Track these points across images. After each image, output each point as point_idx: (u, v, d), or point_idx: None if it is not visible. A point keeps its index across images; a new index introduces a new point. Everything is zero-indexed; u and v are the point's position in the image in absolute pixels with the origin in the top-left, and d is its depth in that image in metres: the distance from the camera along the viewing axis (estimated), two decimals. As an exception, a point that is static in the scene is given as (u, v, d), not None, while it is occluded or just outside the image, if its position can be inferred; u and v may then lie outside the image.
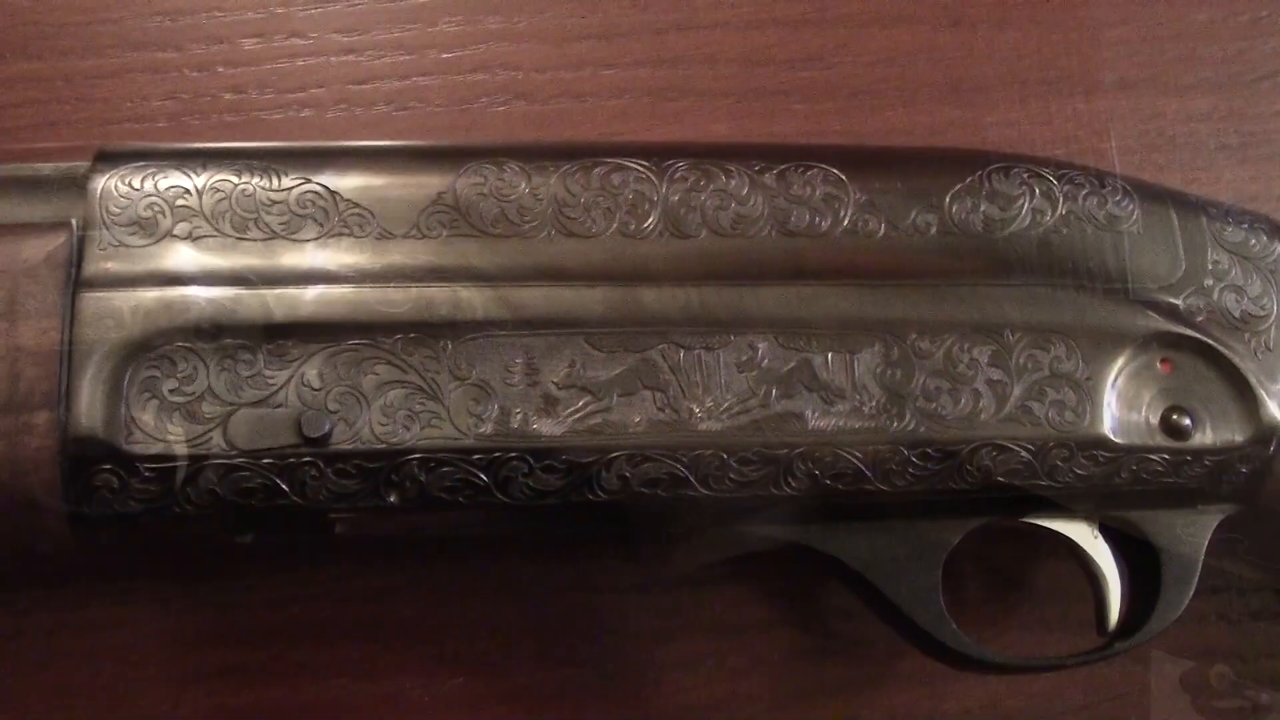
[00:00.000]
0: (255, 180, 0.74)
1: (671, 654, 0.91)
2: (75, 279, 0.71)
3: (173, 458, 0.69)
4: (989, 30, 1.01)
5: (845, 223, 0.76)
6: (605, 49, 0.97)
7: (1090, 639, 0.83)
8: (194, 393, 0.70)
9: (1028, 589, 0.94)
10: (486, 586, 0.90)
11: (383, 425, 0.71)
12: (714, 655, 0.91)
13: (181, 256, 0.72)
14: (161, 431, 0.69)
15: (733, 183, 0.76)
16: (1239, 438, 0.77)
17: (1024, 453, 0.74)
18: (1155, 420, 0.76)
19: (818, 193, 0.76)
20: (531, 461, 0.71)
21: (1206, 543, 0.80)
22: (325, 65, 0.95)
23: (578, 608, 0.91)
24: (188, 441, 0.70)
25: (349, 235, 0.73)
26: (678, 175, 0.76)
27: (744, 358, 0.74)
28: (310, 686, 0.88)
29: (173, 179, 0.73)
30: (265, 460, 0.70)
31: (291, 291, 0.72)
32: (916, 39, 1.00)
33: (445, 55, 0.96)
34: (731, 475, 0.73)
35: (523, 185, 0.75)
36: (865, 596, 0.81)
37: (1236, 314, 0.78)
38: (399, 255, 0.73)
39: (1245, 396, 0.77)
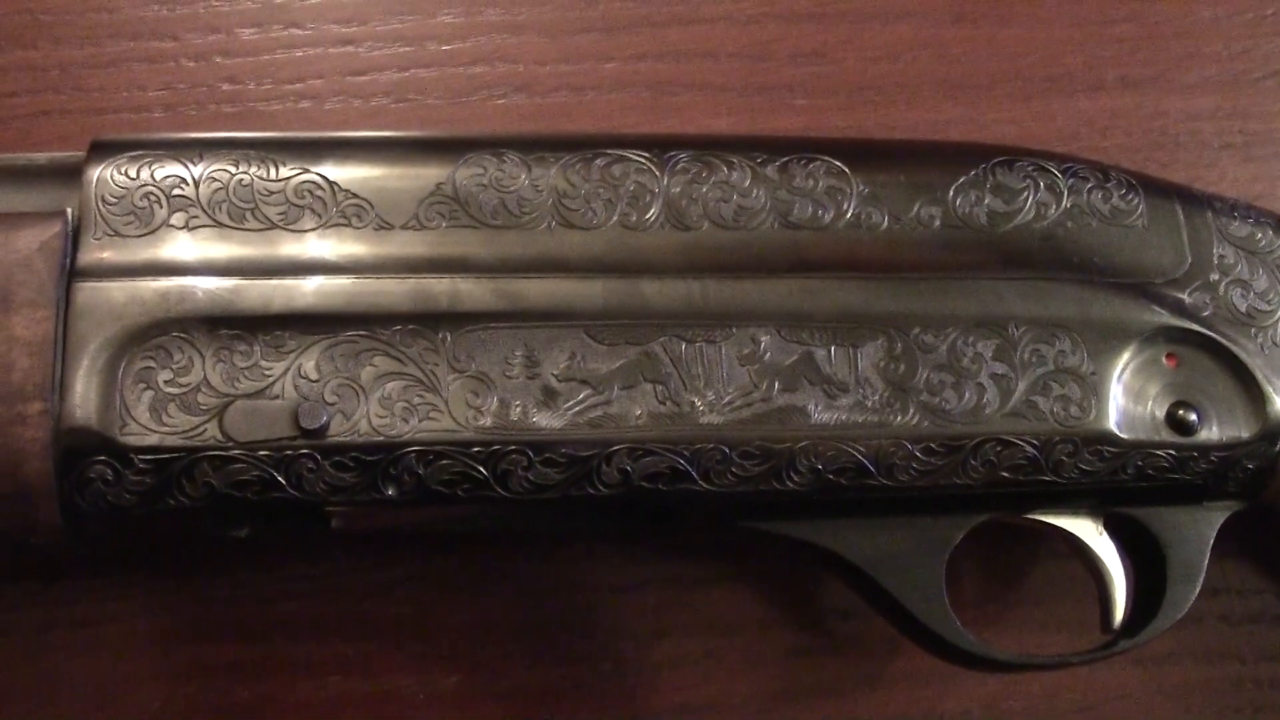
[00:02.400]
0: (253, 170, 0.73)
1: (668, 652, 0.90)
2: (70, 269, 0.70)
3: (167, 449, 0.69)
4: (992, 27, 1.00)
5: (848, 215, 0.76)
6: (606, 42, 0.97)
7: (1091, 640, 0.83)
8: (189, 384, 0.69)
9: (1028, 589, 0.93)
10: (482, 584, 0.89)
11: (380, 417, 0.70)
12: (710, 654, 0.90)
13: (178, 246, 0.72)
14: (156, 423, 0.69)
15: (734, 174, 0.76)
16: (1245, 434, 0.76)
17: (1028, 448, 0.74)
18: (1161, 415, 0.76)
19: (820, 185, 0.76)
20: (531, 455, 0.71)
21: (1212, 540, 0.80)
22: (323, 56, 0.95)
23: (574, 606, 0.90)
24: (183, 433, 0.69)
25: (347, 226, 0.73)
26: (679, 167, 0.75)
27: (746, 351, 0.73)
28: (304, 684, 0.87)
29: (169, 169, 0.73)
30: (261, 452, 0.69)
31: (289, 282, 0.71)
32: (919, 35, 1.00)
33: (445, 47, 0.96)
34: (733, 469, 0.72)
35: (523, 176, 0.74)
36: (867, 593, 0.80)
37: (1243, 309, 0.78)
38: (397, 246, 0.73)
39: (1252, 392, 0.77)
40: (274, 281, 0.71)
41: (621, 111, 0.96)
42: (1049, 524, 0.80)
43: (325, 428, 0.69)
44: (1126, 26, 1.01)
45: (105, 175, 0.72)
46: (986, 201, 0.77)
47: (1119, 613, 0.80)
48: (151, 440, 0.69)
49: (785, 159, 0.76)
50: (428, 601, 0.89)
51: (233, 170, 0.73)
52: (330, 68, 0.95)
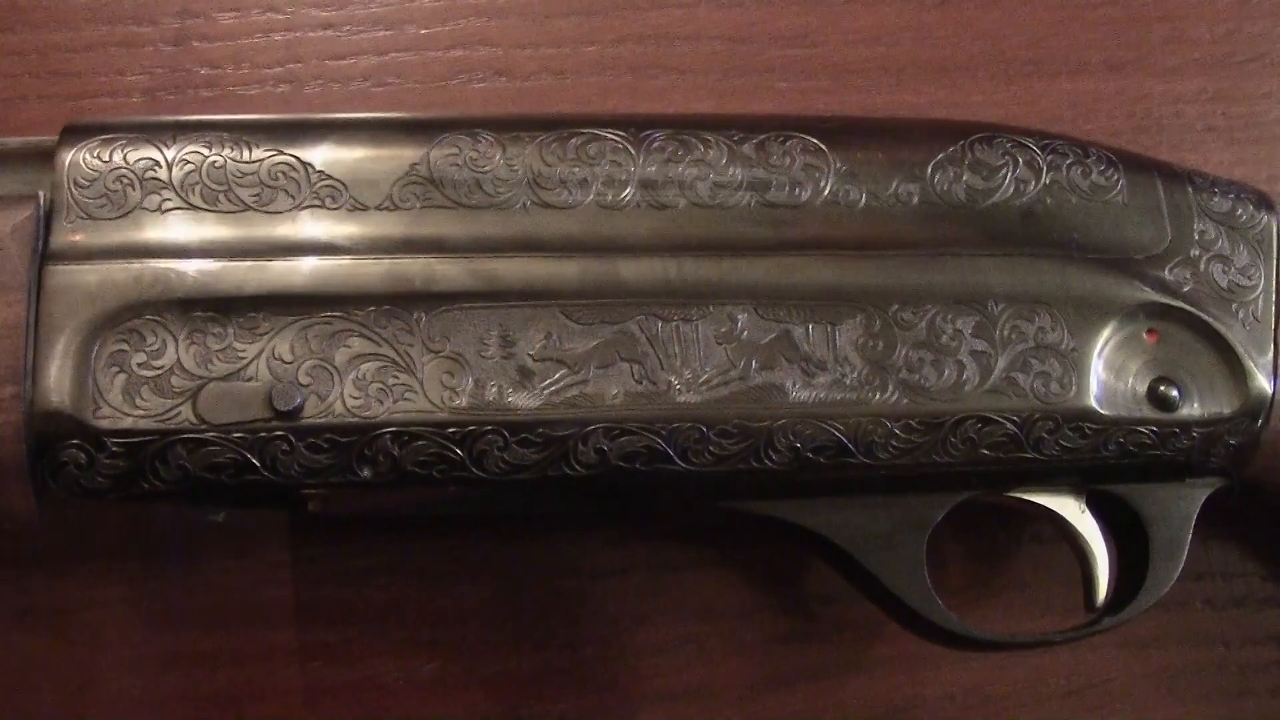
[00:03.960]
0: (226, 152, 0.73)
1: (650, 638, 0.90)
2: (42, 252, 0.70)
3: (141, 433, 0.68)
4: (974, 9, 1.00)
5: (826, 193, 0.75)
6: (586, 25, 0.96)
7: (1076, 622, 0.82)
8: (163, 366, 0.69)
9: (1013, 574, 0.93)
10: (463, 569, 0.89)
11: (355, 399, 0.70)
12: (693, 640, 0.90)
13: (151, 229, 0.71)
14: (129, 406, 0.68)
15: (711, 153, 0.75)
16: (1227, 409, 0.76)
17: (1009, 425, 0.73)
18: (1142, 391, 0.75)
19: (798, 163, 0.76)
20: (507, 435, 0.70)
21: (1195, 517, 0.79)
22: (302, 40, 0.94)
23: (555, 591, 0.90)
24: (156, 416, 0.69)
25: (321, 207, 0.72)
26: (655, 145, 0.75)
27: (723, 329, 0.73)
28: (284, 671, 0.87)
29: (142, 151, 0.72)
30: (235, 435, 0.69)
31: (263, 264, 0.71)
32: (902, 17, 0.99)
33: (424, 31, 0.95)
34: (711, 449, 0.72)
35: (497, 156, 0.74)
36: (848, 573, 0.80)
37: (1224, 284, 0.77)
38: (372, 227, 0.72)
39: (1233, 368, 0.76)
40: (248, 263, 0.71)
41: (602, 95, 0.95)
42: (1031, 502, 0.79)
43: (299, 409, 0.69)
44: (1110, 9, 1.00)
45: (78, 159, 0.72)
46: (965, 178, 0.76)
47: (1102, 591, 0.80)
48: (125, 424, 0.68)
49: (762, 137, 0.76)
50: (407, 588, 0.89)
51: (206, 152, 0.73)
52: (309, 52, 0.94)
